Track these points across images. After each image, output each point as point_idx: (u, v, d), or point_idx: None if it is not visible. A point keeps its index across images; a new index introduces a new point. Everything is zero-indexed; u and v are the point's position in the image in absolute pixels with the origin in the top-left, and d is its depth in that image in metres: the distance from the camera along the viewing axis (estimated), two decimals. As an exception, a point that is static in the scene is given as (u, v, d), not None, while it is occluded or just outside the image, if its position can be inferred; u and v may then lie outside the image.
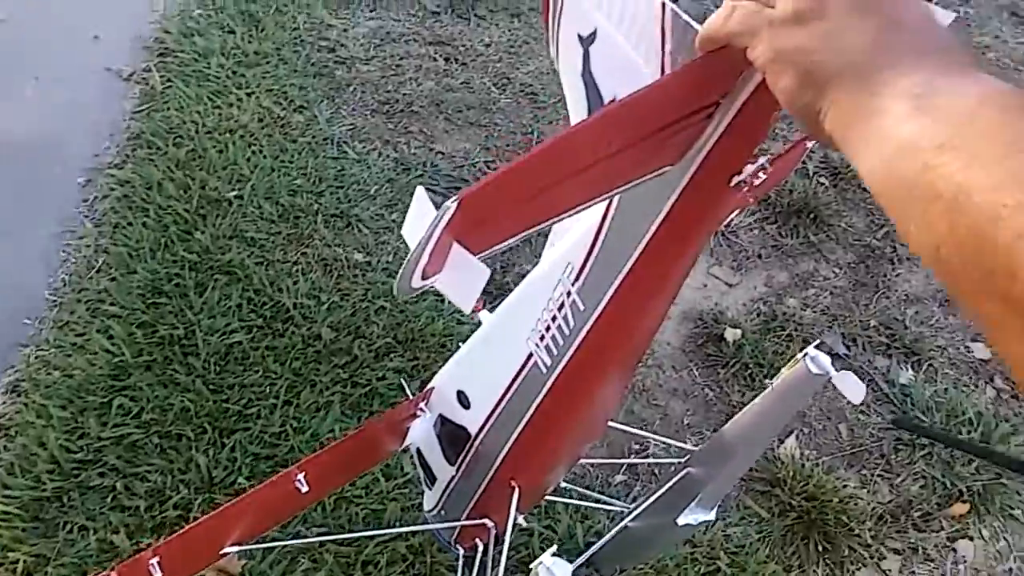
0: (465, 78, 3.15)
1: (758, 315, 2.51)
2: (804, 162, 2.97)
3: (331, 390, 2.07)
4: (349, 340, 2.19)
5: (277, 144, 2.71)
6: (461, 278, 0.65)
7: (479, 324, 2.35)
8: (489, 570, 1.47)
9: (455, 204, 0.59)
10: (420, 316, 2.26)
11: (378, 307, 2.29)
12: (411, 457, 1.60)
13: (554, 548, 1.01)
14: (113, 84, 2.91)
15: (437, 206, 0.63)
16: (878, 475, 2.21)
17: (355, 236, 2.48)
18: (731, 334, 2.42)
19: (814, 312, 2.56)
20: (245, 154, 2.65)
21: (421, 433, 1.46)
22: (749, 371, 2.34)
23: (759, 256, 2.69)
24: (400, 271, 0.63)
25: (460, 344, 2.24)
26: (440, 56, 3.25)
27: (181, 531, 1.22)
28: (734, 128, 0.71)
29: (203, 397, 1.99)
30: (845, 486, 2.14)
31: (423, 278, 0.66)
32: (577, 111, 0.89)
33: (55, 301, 2.17)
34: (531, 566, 0.99)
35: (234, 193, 2.50)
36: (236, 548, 1.22)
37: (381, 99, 2.99)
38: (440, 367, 2.21)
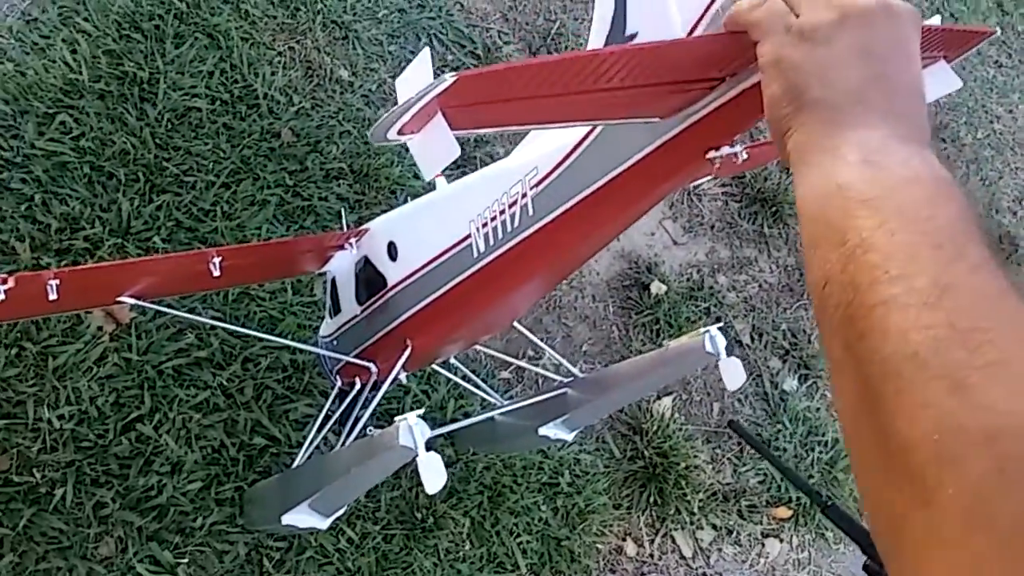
0: (513, -60, 3.03)
1: (688, 279, 2.60)
2: (790, 158, 3.01)
3: (272, 191, 2.06)
4: (306, 150, 2.17)
5: (305, -74, 2.58)
6: (434, 146, 0.68)
7: (433, 187, 2.37)
8: (358, 407, 1.54)
9: (452, 79, 0.62)
10: (381, 155, 2.26)
11: (344, 130, 2.26)
12: (324, 283, 1.64)
13: (422, 411, 1.06)
14: None
15: (435, 73, 0.65)
16: (728, 458, 2.37)
17: (347, 52, 2.42)
18: (656, 287, 2.51)
19: (738, 296, 2.67)
20: (270, -77, 2.51)
21: (343, 265, 1.49)
22: (658, 326, 2.45)
23: (712, 227, 2.76)
24: (381, 119, 0.67)
25: (409, 196, 2.26)
26: (498, -93, 3.11)
27: (89, 266, 1.24)
28: (727, 108, 0.75)
29: (147, 147, 1.96)
30: (696, 456, 2.30)
31: (399, 133, 0.69)
32: (600, 25, 0.90)
33: (28, -8, 2.07)
34: (395, 419, 1.05)
35: (245, -42, 2.39)
36: (132, 300, 1.25)
37: (424, -75, 2.86)
38: (381, 210, 2.24)
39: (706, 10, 0.75)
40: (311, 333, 1.95)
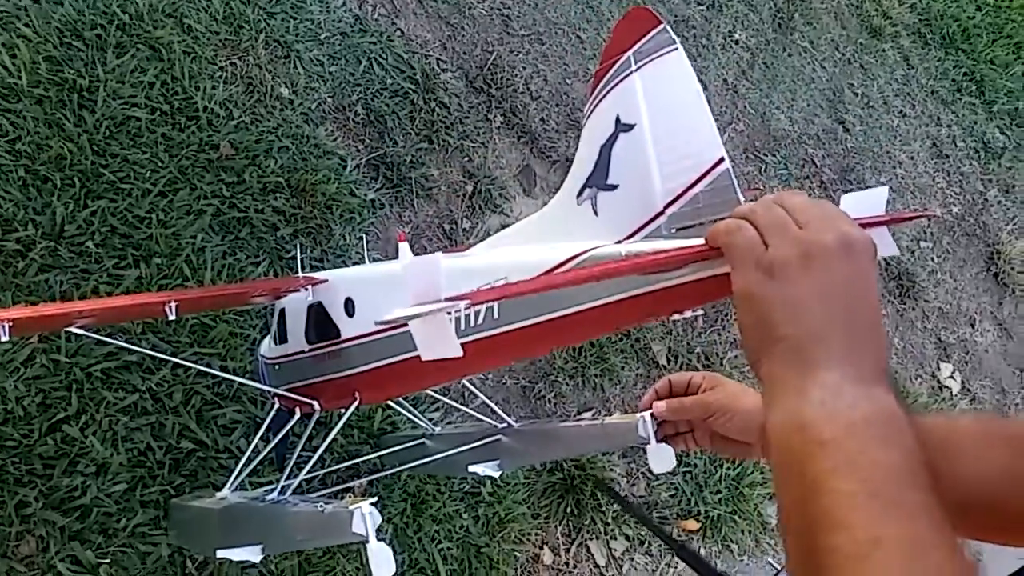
0: (453, -29, 3.15)
1: (610, 302, 2.73)
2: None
3: (208, 201, 2.11)
4: (244, 163, 2.22)
5: (250, -53, 2.64)
6: (436, 341, 0.76)
7: (372, 201, 2.44)
8: (300, 443, 1.57)
9: (465, 305, 0.72)
10: (319, 171, 2.32)
11: (283, 145, 2.32)
12: (271, 311, 1.68)
13: (375, 499, 1.11)
14: None
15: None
16: (642, 472, 2.49)
17: (288, 70, 2.49)
18: (580, 308, 2.62)
19: (656, 320, 2.80)
20: (215, -59, 2.57)
21: (294, 301, 1.53)
22: (583, 354, 2.56)
23: (634, 253, 2.90)
24: (394, 315, 0.76)
25: (348, 212, 2.33)
26: (440, -61, 3.22)
27: (46, 309, 1.27)
28: (698, 283, 0.84)
29: (83, 153, 1.99)
30: (613, 470, 2.41)
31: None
32: (582, 166, 1.00)
33: (-32, -5, 2.07)
34: (349, 506, 1.09)
35: (189, -26, 2.44)
36: (80, 331, 1.27)
37: (367, -47, 2.95)
38: (316, 224, 2.29)
39: (687, 189, 0.85)
40: (243, 341, 2.00)
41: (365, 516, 1.06)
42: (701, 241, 0.75)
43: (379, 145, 2.54)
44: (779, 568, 1.23)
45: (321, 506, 1.16)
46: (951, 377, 3.46)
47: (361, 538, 1.06)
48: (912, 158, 4.01)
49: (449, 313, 0.73)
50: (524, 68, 3.02)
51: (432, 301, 0.72)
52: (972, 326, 3.68)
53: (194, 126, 2.20)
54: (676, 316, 0.91)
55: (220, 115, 2.26)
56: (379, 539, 1.06)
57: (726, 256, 0.69)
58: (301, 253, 2.01)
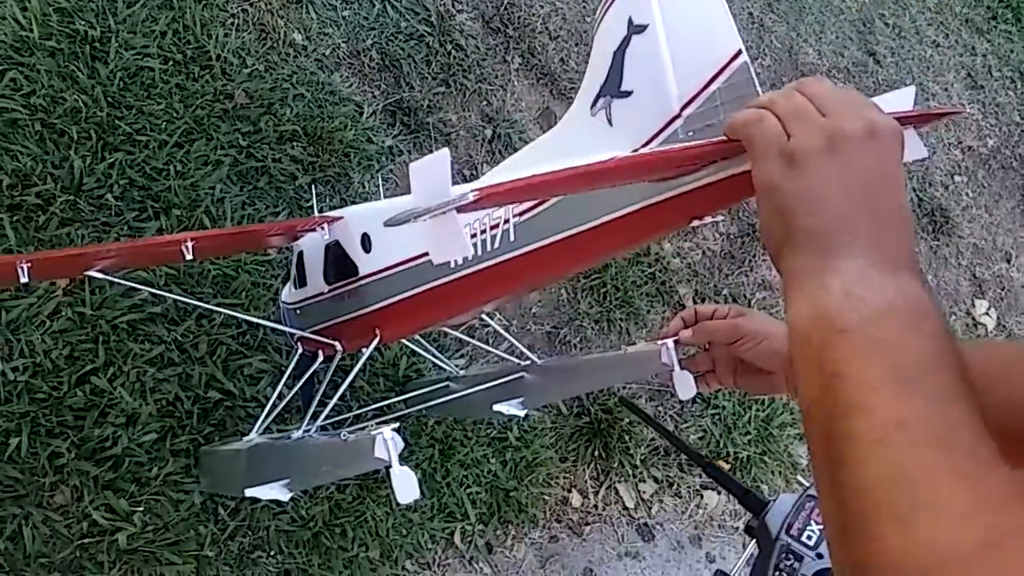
0: (467, -91, 3.05)
1: (634, 245, 2.69)
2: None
3: (226, 151, 2.09)
4: (259, 112, 2.19)
5: None
6: (446, 241, 0.72)
7: (390, 148, 2.40)
8: (323, 386, 1.57)
9: (475, 196, 0.68)
10: (336, 119, 2.29)
11: (298, 93, 2.29)
12: (290, 254, 1.66)
13: (396, 425, 1.10)
14: None
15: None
16: (669, 415, 2.48)
17: (302, 16, 2.44)
18: (604, 252, 2.59)
19: (682, 262, 2.76)
20: None
21: (312, 242, 1.52)
22: (605, 289, 2.53)
23: (658, 195, 2.85)
24: (400, 216, 0.71)
25: (366, 159, 2.30)
26: None
27: (63, 251, 1.27)
28: (717, 185, 0.80)
29: (99, 105, 1.97)
30: (640, 413, 2.39)
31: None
32: (594, 76, 0.95)
33: (-25, -53, 2.04)
34: (370, 432, 1.08)
35: (197, -81, 2.38)
36: (99, 274, 1.27)
37: None
38: (334, 172, 2.27)
39: (704, 88, 0.80)
40: (265, 291, 2.00)
41: (387, 441, 1.06)
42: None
43: (395, 90, 2.50)
44: (807, 485, 1.22)
45: (344, 435, 1.16)
46: (986, 314, 3.39)
47: (384, 463, 1.05)
48: (946, 89, 3.87)
49: (459, 211, 0.69)
50: (542, 7, 2.94)
51: (441, 198, 0.69)
52: (1008, 261, 3.59)
53: (208, 75, 2.17)
54: (696, 223, 0.88)
55: (234, 63, 2.22)
56: (402, 465, 1.05)
57: (746, 147, 0.66)
58: (320, 202, 1.99)
